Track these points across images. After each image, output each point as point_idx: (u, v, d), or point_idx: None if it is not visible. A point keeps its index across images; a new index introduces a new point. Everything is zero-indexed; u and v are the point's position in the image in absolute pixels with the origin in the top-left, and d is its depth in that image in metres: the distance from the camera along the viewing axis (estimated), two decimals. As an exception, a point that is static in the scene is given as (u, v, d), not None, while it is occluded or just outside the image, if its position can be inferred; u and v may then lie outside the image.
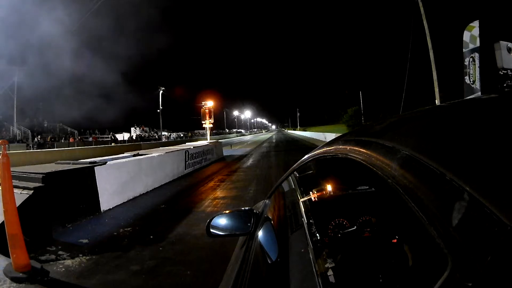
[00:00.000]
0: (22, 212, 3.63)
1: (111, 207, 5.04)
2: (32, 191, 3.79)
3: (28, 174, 4.22)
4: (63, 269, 2.95)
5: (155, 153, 7.80)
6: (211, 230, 1.28)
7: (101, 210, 4.82)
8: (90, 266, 2.96)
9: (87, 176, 4.71)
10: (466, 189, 0.34)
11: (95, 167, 4.85)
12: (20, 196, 3.79)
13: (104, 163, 5.13)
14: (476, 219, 0.31)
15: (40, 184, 3.93)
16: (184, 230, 3.88)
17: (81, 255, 3.21)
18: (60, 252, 3.33)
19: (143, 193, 6.23)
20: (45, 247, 3.45)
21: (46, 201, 3.91)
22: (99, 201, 4.80)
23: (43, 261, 3.11)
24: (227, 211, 1.37)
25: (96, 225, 4.20)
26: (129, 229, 3.99)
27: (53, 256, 3.25)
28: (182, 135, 51.03)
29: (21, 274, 2.66)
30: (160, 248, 3.28)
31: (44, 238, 3.67)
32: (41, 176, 3.99)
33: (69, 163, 5.06)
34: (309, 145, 19.89)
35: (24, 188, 3.90)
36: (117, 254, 3.21)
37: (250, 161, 12.59)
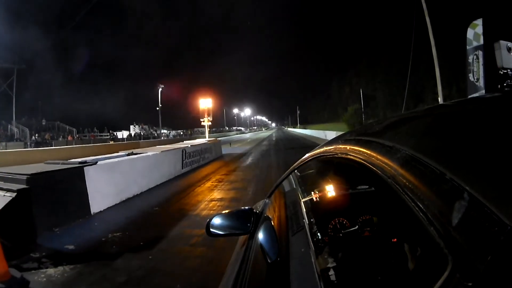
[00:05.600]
0: (4, 216, 3.44)
1: (102, 210, 4.81)
2: (16, 193, 3.58)
3: (13, 175, 4.00)
4: (45, 278, 2.77)
5: (150, 152, 7.57)
6: (211, 229, 1.27)
7: (91, 212, 4.59)
8: (73, 276, 2.77)
9: (76, 177, 4.48)
10: (466, 188, 0.34)
11: (84, 167, 4.61)
12: (3, 198, 3.59)
13: (95, 163, 4.89)
14: (476, 219, 0.31)
15: (24, 186, 3.71)
16: (177, 236, 3.65)
17: (65, 263, 3.01)
18: (43, 260, 3.14)
19: (137, 194, 6.00)
20: (28, 254, 3.26)
21: (31, 204, 3.70)
22: (89, 203, 4.57)
23: (24, 269, 2.92)
24: (227, 211, 1.36)
25: (84, 230, 3.99)
26: (118, 234, 3.76)
27: (35, 264, 3.06)
28: (181, 133, 50.87)
29: (-2, 283, 2.47)
30: (150, 257, 3.05)
31: (28, 243, 3.47)
32: (25, 177, 3.76)
33: (58, 163, 4.83)
34: (310, 143, 19.64)
35: (7, 190, 3.69)
36: (104, 262, 3.00)
37: (249, 160, 12.36)
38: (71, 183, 4.41)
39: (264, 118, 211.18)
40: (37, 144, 23.72)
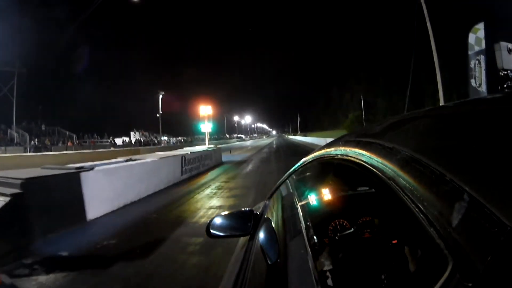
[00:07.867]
0: (-3, 221, 3.35)
1: (98, 216, 4.71)
2: (9, 198, 3.50)
3: (8, 179, 3.92)
4: (36, 286, 2.66)
5: (149, 158, 7.49)
6: (211, 230, 1.25)
7: (87, 219, 4.49)
8: (65, 284, 2.67)
9: (72, 182, 4.39)
10: (466, 189, 0.34)
11: (81, 173, 4.53)
12: (-3, 203, 3.50)
13: (92, 168, 4.81)
14: (476, 219, 0.31)
15: (19, 191, 3.63)
16: (175, 244, 3.54)
17: (58, 271, 2.91)
18: (35, 266, 3.04)
19: (135, 201, 5.90)
20: (20, 260, 3.16)
21: (25, 208, 3.61)
22: (85, 209, 4.47)
23: (16, 276, 2.83)
24: (227, 212, 1.35)
25: (79, 236, 3.88)
26: (114, 241, 3.66)
27: (27, 271, 2.96)
28: (182, 140, 50.84)
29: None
30: (146, 265, 2.94)
31: (21, 249, 3.37)
32: (19, 181, 3.68)
33: (54, 168, 4.75)
34: (310, 151, 19.51)
35: (1, 194, 3.61)
36: (98, 270, 2.89)
37: (249, 167, 12.23)
38: (67, 188, 4.32)
39: (264, 126, 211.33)
40: (37, 149, 23.68)
